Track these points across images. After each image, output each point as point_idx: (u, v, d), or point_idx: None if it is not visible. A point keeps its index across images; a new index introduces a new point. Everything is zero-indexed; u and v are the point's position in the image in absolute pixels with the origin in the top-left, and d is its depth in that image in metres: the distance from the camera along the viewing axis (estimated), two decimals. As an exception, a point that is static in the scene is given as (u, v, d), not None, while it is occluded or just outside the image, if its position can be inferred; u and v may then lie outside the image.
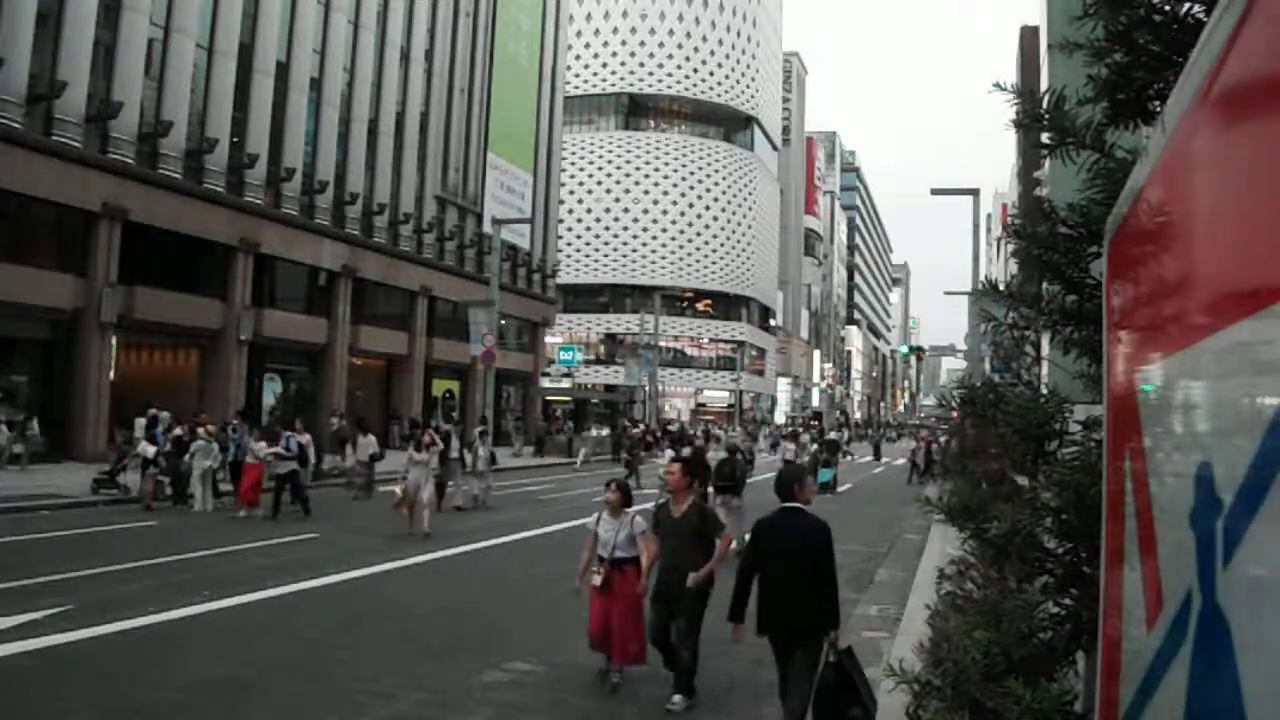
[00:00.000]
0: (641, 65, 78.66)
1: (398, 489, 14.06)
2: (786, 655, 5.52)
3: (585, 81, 76.46)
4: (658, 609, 6.45)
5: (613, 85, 78.70)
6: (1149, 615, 1.45)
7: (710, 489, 13.05)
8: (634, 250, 76.96)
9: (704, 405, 78.57)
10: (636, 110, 79.99)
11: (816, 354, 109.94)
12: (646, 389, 53.72)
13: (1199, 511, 1.19)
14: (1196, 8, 2.74)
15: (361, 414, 25.87)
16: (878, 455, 46.63)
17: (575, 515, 17.07)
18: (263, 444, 16.01)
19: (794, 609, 5.42)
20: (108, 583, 9.63)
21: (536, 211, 44.29)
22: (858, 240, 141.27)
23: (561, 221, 56.70)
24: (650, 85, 78.97)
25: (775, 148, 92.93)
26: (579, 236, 75.91)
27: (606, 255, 77.26)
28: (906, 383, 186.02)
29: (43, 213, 22.68)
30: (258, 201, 28.11)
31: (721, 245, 79.68)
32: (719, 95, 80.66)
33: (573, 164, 71.55)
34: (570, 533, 15.00)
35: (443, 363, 37.41)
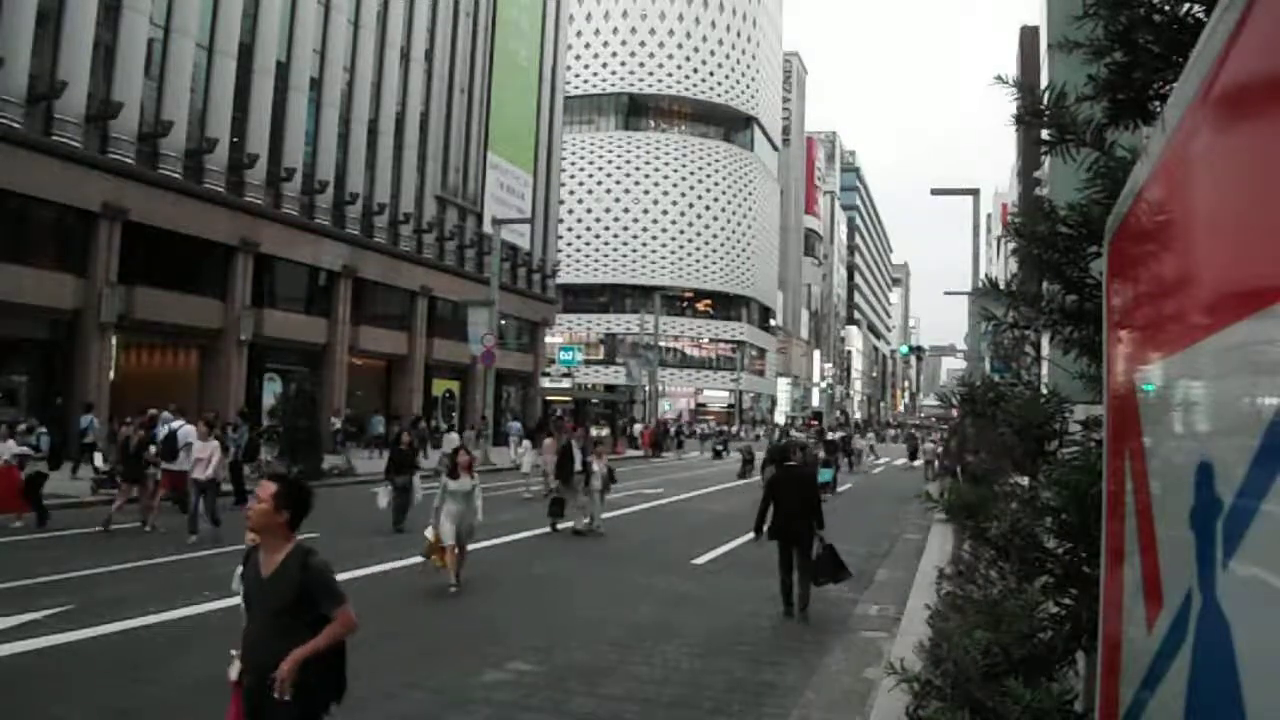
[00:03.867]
0: (641, 65, 78.68)
1: (429, 533, 10.22)
2: (788, 550, 9.25)
3: (585, 81, 76.47)
4: None
5: (613, 85, 78.73)
6: (1149, 615, 1.45)
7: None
8: (634, 250, 76.97)
9: (704, 405, 78.58)
10: (636, 110, 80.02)
11: (816, 354, 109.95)
12: (646, 389, 53.73)
13: (1199, 511, 1.19)
14: (1196, 8, 2.74)
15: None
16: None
17: (576, 514, 17.07)
18: (10, 443, 13.56)
19: (798, 522, 9.19)
20: (108, 583, 9.62)
21: (536, 211, 44.30)
22: (858, 240, 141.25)
23: (561, 221, 56.72)
24: (650, 85, 78.98)
25: (775, 148, 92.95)
26: (579, 236, 75.91)
27: (606, 255, 77.27)
28: (906, 383, 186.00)
29: (43, 213, 22.67)
30: (258, 201, 28.11)
31: (721, 245, 79.69)
32: (719, 95, 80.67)
33: (573, 164, 71.56)
34: (571, 531, 15.00)
35: (443, 363, 37.41)
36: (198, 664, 6.95)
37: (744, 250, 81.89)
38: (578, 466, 15.52)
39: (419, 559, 11.94)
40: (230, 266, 27.21)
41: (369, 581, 10.49)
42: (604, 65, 78.69)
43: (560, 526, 15.02)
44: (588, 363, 69.88)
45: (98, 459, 18.26)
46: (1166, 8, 2.83)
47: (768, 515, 9.41)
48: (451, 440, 20.47)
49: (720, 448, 44.58)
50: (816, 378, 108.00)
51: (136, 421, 15.73)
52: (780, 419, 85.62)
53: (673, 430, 49.26)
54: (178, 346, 28.60)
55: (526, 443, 22.93)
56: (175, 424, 14.72)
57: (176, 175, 25.27)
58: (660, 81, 78.93)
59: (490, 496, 20.54)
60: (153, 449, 16.57)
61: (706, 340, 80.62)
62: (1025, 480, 3.72)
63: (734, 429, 67.36)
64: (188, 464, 14.02)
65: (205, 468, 12.90)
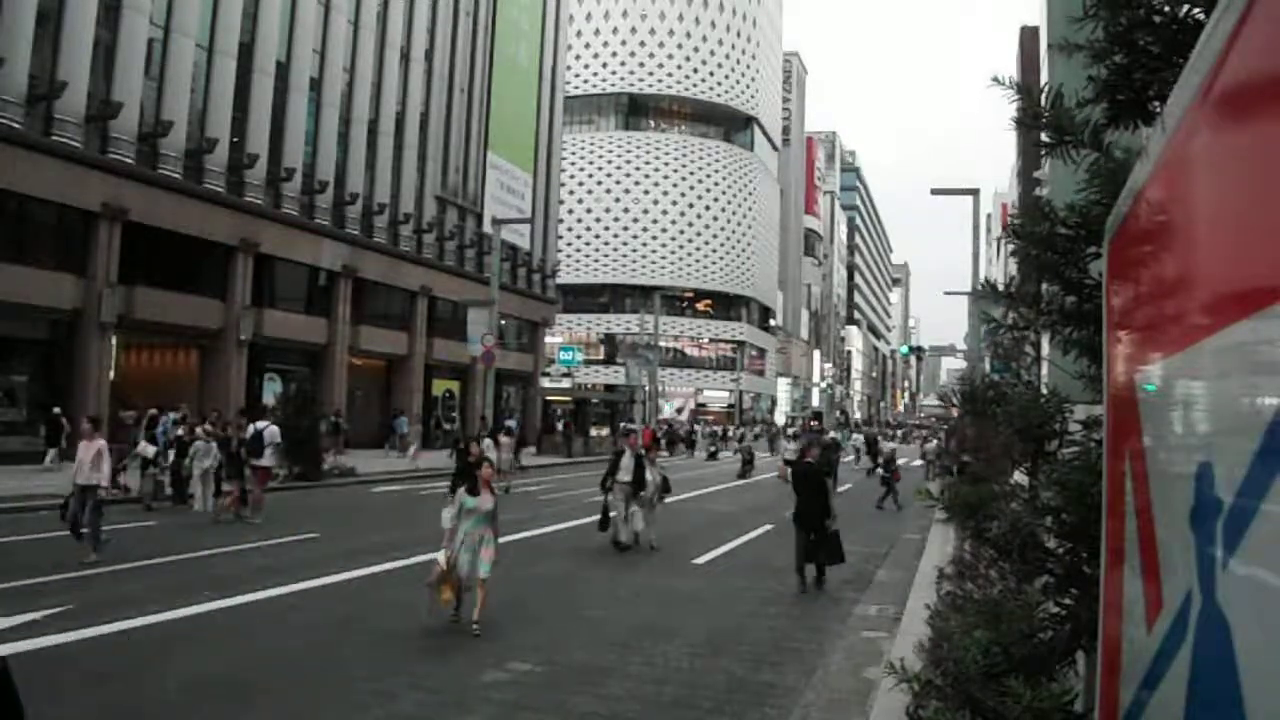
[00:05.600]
0: (641, 65, 78.66)
1: (441, 557, 8.41)
2: (807, 532, 10.96)
3: (585, 81, 76.46)
4: None
5: (613, 85, 78.70)
6: (1149, 615, 1.45)
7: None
8: (634, 250, 76.96)
9: (704, 405, 78.56)
10: (636, 110, 79.99)
11: (816, 354, 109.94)
12: (646, 389, 53.71)
13: (1199, 511, 1.19)
14: (1196, 9, 2.75)
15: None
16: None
17: (577, 515, 17.08)
18: None
19: (813, 510, 10.98)
20: (108, 583, 9.62)
21: (536, 211, 44.30)
22: (858, 240, 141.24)
23: (561, 221, 56.70)
24: (650, 85, 78.97)
25: (775, 148, 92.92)
26: (579, 236, 75.90)
27: (606, 255, 77.26)
28: (906, 383, 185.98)
29: (43, 213, 22.68)
30: (258, 201, 28.11)
31: (721, 245, 79.68)
32: (719, 95, 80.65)
33: (573, 164, 71.53)
34: (573, 532, 15.02)
35: (443, 363, 37.41)
36: (198, 664, 6.95)
37: (744, 250, 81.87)
38: (625, 476, 13.70)
39: (420, 559, 11.93)
40: (230, 266, 27.21)
41: (369, 581, 10.49)
42: (604, 65, 78.65)
43: (621, 539, 13.49)
44: (588, 363, 69.83)
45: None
46: (1166, 9, 2.83)
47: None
48: (506, 443, 20.36)
49: (713, 449, 44.07)
50: (816, 378, 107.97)
51: (235, 423, 17.16)
52: (780, 419, 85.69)
53: (683, 431, 48.12)
54: (178, 346, 28.61)
55: (487, 441, 23.16)
56: (260, 425, 16.33)
57: (176, 175, 25.27)
58: (660, 81, 78.90)
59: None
60: (151, 449, 16.64)
61: (706, 340, 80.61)
62: (1025, 480, 3.72)
63: (733, 429, 67.13)
64: (272, 461, 15.87)
65: (85, 471, 11.05)
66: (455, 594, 8.28)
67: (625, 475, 13.76)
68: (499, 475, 21.36)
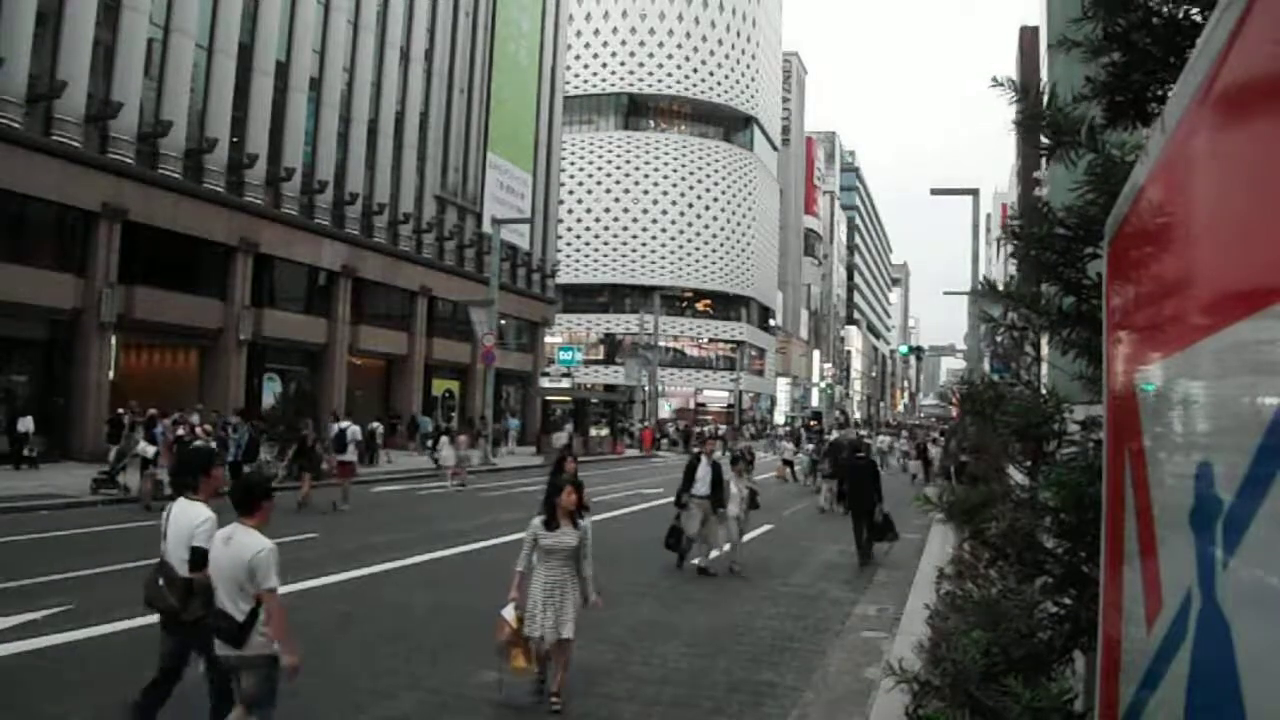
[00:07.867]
0: (641, 65, 78.62)
1: (507, 614, 6.45)
2: (859, 518, 13.39)
3: (585, 81, 76.43)
4: None
5: (613, 85, 78.67)
6: (1148, 615, 1.45)
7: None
8: (634, 250, 76.93)
9: (704, 405, 78.56)
10: (636, 110, 79.95)
11: (816, 354, 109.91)
12: (646, 389, 53.71)
13: (1199, 511, 1.19)
14: (1194, 10, 2.75)
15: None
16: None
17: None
18: None
19: (864, 499, 13.39)
20: (108, 583, 9.61)
21: (536, 211, 44.30)
22: (857, 240, 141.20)
23: (561, 221, 56.64)
24: (650, 85, 78.93)
25: (775, 148, 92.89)
26: (579, 236, 75.88)
27: (606, 255, 77.23)
28: (906, 383, 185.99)
29: (43, 213, 22.66)
30: (258, 201, 28.10)
31: (721, 245, 79.65)
32: (719, 95, 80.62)
33: (573, 164, 71.51)
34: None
35: (443, 363, 37.40)
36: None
37: (744, 250, 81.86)
38: (702, 489, 12.25)
39: (418, 559, 11.92)
40: (230, 266, 27.20)
41: (368, 581, 10.49)
42: (604, 65, 78.63)
43: (697, 562, 12.19)
44: (588, 363, 69.78)
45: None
46: (1165, 10, 2.83)
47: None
48: (559, 439, 20.25)
49: (699, 450, 41.51)
50: (816, 378, 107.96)
51: (307, 423, 18.99)
52: (779, 419, 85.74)
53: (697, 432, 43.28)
54: (178, 346, 28.60)
55: (445, 439, 23.36)
56: (343, 424, 18.28)
57: (176, 175, 25.26)
58: (660, 81, 78.87)
59: (488, 496, 20.52)
60: (151, 449, 16.63)
61: (706, 340, 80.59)
62: (1025, 480, 3.72)
63: (729, 430, 66.84)
64: (354, 456, 17.87)
65: None
66: (533, 659, 6.44)
67: (702, 488, 12.08)
68: (456, 471, 21.66)
